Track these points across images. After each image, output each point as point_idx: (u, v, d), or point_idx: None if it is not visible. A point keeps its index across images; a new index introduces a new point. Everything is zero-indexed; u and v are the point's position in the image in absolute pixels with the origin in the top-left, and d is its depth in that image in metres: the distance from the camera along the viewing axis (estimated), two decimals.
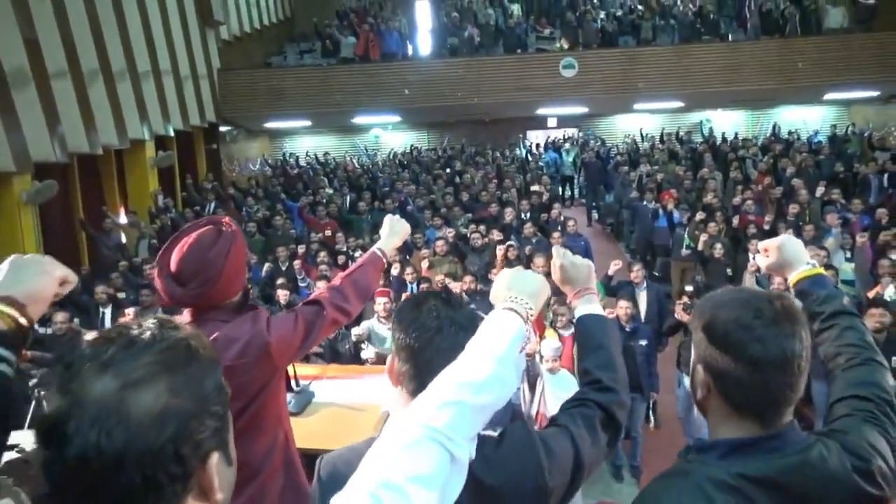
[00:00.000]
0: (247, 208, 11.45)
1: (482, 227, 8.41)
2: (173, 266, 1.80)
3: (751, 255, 7.72)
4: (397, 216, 2.21)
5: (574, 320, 1.45)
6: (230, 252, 1.80)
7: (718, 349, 1.02)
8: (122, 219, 10.93)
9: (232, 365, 1.71)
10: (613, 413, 1.28)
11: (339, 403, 2.81)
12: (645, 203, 10.47)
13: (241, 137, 16.50)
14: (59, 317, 5.62)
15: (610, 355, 1.34)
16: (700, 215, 8.46)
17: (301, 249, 8.09)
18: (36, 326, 1.57)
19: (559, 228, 8.46)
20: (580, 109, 16.28)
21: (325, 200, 11.52)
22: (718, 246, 7.83)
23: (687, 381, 5.83)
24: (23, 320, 0.94)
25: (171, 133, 12.45)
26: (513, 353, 1.00)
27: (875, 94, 15.37)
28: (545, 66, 14.46)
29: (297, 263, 7.28)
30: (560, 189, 15.02)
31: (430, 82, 14.47)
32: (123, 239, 10.25)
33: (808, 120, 17.13)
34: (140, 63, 11.28)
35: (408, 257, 7.94)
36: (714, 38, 15.21)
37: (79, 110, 9.56)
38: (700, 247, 7.92)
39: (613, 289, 6.40)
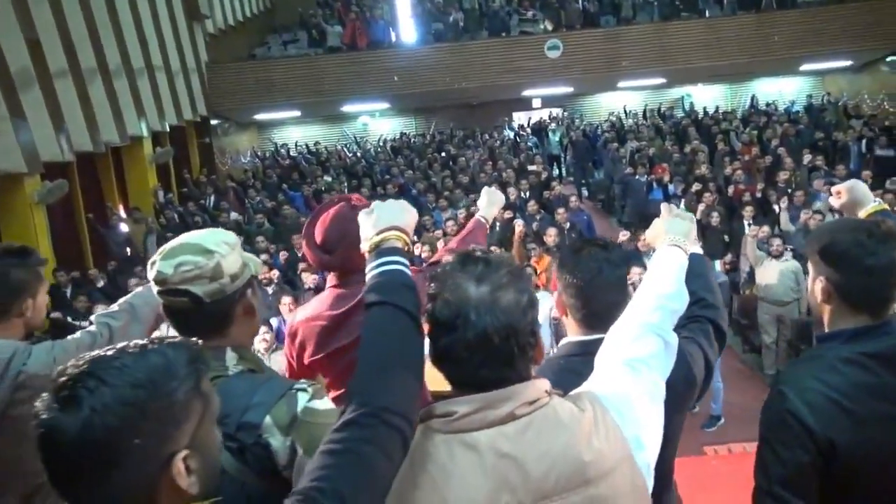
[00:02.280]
0: (249, 200, 11.63)
1: None
2: (318, 238, 2.09)
3: (745, 223, 8.17)
4: (493, 188, 2.51)
5: None
6: None
7: (838, 264, 1.35)
8: (122, 215, 11.06)
9: None
10: (719, 325, 1.62)
11: None
12: (638, 177, 10.87)
13: (232, 130, 16.58)
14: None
15: (710, 282, 1.68)
16: (696, 186, 8.86)
17: None
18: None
19: (562, 205, 8.81)
20: (566, 90, 16.61)
21: (324, 188, 11.74)
22: (715, 215, 8.25)
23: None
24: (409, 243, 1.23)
25: (167, 128, 12.53)
26: (683, 275, 1.34)
27: (848, 63, 15.92)
28: (530, 49, 14.75)
29: None
30: None
31: (417, 68, 14.66)
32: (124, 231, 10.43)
33: (783, 91, 17.67)
34: (134, 60, 11.34)
35: (416, 239, 8.24)
36: (693, 15, 15.60)
37: (81, 109, 9.64)
38: (698, 216, 8.32)
39: None
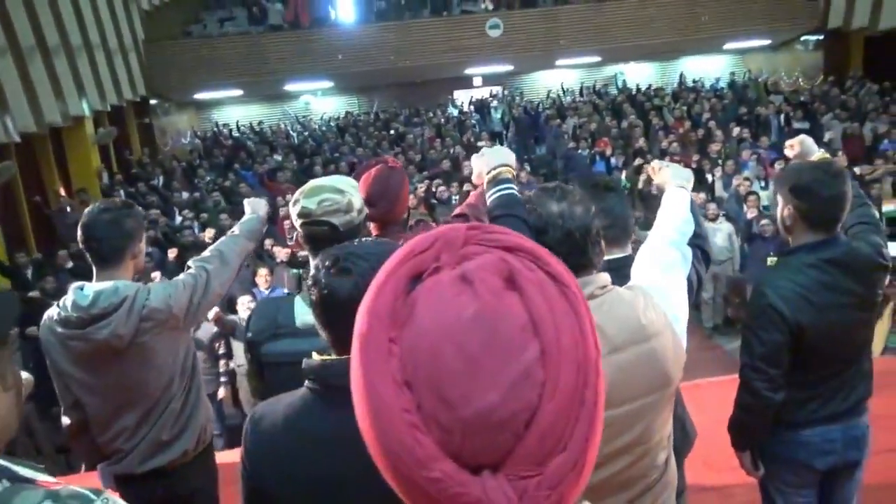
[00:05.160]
0: (198, 179, 11.56)
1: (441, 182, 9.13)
2: (363, 193, 2.41)
3: None
4: (494, 148, 2.88)
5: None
6: (402, 180, 2.43)
7: (802, 196, 1.79)
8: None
9: None
10: (705, 248, 2.06)
11: None
12: (580, 151, 11.46)
13: (172, 110, 16.23)
14: None
15: (698, 217, 2.10)
16: (638, 160, 9.49)
17: (282, 212, 8.50)
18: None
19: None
20: (506, 68, 17.05)
21: (275, 168, 11.80)
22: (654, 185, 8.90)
23: None
24: (514, 175, 1.57)
25: (108, 108, 12.24)
26: (689, 207, 1.76)
27: (767, 42, 17.02)
28: (472, 27, 15.10)
29: (287, 224, 7.76)
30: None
31: (361, 47, 14.76)
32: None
33: (708, 69, 18.70)
34: (73, 38, 11.02)
35: None
36: None
37: (22, 89, 9.38)
38: (640, 186, 8.96)
39: None
